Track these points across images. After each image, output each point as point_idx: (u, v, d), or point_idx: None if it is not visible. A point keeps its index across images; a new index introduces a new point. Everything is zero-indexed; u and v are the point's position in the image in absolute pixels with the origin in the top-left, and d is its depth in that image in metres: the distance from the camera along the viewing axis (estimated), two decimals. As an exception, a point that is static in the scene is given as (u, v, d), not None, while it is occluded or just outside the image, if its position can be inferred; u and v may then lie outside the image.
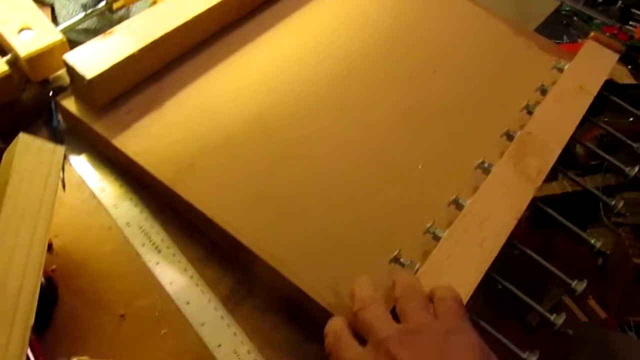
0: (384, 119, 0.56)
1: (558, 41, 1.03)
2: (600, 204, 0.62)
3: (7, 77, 0.48)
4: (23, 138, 0.41)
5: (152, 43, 0.51)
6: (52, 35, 0.51)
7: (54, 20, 0.58)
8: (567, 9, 1.10)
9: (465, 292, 0.41)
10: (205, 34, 0.57)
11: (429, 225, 0.46)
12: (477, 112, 0.58)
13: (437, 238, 0.45)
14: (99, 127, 0.49)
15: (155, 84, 0.53)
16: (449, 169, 0.53)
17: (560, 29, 1.05)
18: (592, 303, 0.66)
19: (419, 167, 0.52)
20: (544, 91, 0.60)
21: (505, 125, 0.56)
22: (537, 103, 0.59)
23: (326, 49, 0.61)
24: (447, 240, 0.43)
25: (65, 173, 0.49)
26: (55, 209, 0.39)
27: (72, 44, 0.53)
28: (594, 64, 0.62)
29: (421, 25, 0.66)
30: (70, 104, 0.51)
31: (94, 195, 0.49)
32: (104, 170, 0.51)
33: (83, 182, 0.50)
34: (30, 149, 0.41)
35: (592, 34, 0.95)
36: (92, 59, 0.49)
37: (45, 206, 0.40)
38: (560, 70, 0.63)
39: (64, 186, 0.49)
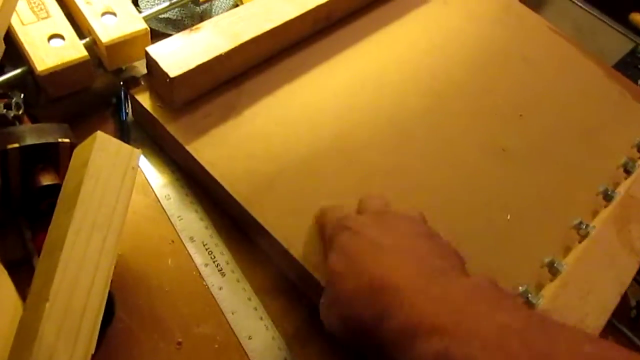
0: (469, 158, 0.51)
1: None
2: None
3: (84, 63, 0.44)
4: (101, 137, 0.37)
5: (240, 45, 0.47)
6: (136, 23, 0.47)
7: (135, 4, 0.54)
8: (643, 53, 1.05)
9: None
10: (291, 41, 0.53)
11: (522, 289, 0.41)
12: (568, 164, 0.54)
13: (530, 305, 0.41)
14: (174, 129, 0.45)
15: (234, 89, 0.49)
16: (540, 224, 0.48)
17: (635, 72, 1.00)
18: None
19: (508, 217, 0.48)
20: (641, 148, 0.56)
21: (598, 182, 0.52)
22: (634, 160, 0.55)
23: (411, 72, 0.56)
24: (546, 312, 0.39)
25: (130, 173, 0.46)
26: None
27: (151, 32, 0.50)
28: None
29: (511, 57, 0.62)
30: (145, 99, 0.47)
31: (157, 202, 0.46)
32: (170, 175, 0.47)
33: (148, 185, 0.46)
34: (107, 149, 0.37)
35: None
36: (177, 56, 0.45)
37: (117, 215, 0.36)
38: (660, 127, 0.58)
39: (129, 189, 0.45)
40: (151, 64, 0.45)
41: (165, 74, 0.43)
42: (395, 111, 0.53)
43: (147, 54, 0.45)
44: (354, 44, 0.57)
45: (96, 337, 0.32)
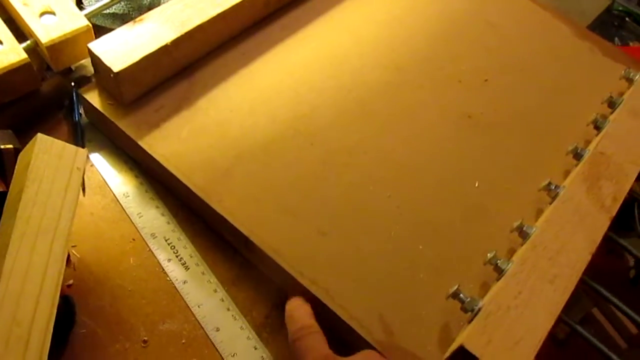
0: (433, 128, 0.50)
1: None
2: (636, 212, 0.56)
3: (25, 66, 0.43)
4: (41, 139, 0.36)
5: (187, 33, 0.46)
6: (76, 20, 0.45)
7: (79, 2, 0.52)
8: (620, 8, 1.03)
9: (538, 337, 0.35)
10: (243, 25, 0.52)
11: (490, 255, 0.40)
12: (537, 125, 0.53)
13: (499, 270, 0.40)
14: (125, 125, 0.44)
15: (186, 79, 0.48)
16: (510, 188, 0.47)
17: (611, 31, 0.98)
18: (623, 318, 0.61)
19: (476, 185, 0.47)
20: (612, 104, 0.54)
21: (569, 141, 0.51)
22: (605, 117, 0.53)
23: (370, 46, 0.55)
24: (514, 276, 0.38)
25: (85, 174, 0.45)
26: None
27: (97, 29, 0.49)
28: (669, 75, 0.56)
29: (475, 24, 0.61)
30: (94, 97, 0.46)
31: (116, 201, 0.45)
32: (128, 173, 0.46)
33: (105, 184, 0.45)
34: (49, 151, 0.36)
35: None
36: (121, 50, 0.44)
37: (64, 218, 0.35)
38: (630, 80, 0.57)
39: (83, 190, 0.44)
40: (95, 60, 0.44)
41: (109, 69, 0.42)
42: (355, 88, 0.51)
43: (89, 50, 0.44)
44: (309, 22, 0.55)
45: (48, 346, 0.31)
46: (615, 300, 0.42)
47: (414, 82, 0.53)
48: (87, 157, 0.46)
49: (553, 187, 0.45)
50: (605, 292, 0.42)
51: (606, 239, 0.44)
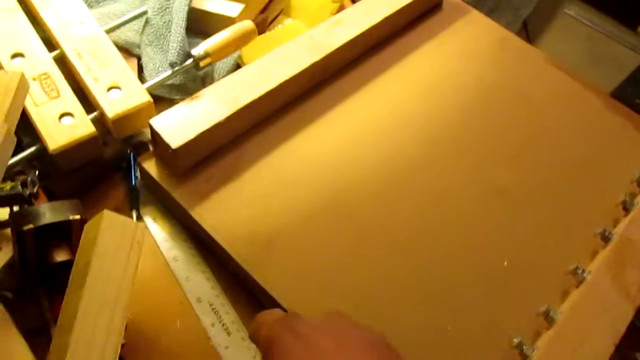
0: (466, 203, 0.53)
1: (642, 103, 0.98)
2: None
3: (93, 137, 0.47)
4: (107, 216, 0.40)
5: (239, 110, 0.50)
6: (140, 96, 0.50)
7: (140, 70, 0.57)
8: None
9: None
10: (288, 100, 0.56)
11: (517, 340, 0.42)
12: (566, 202, 0.55)
13: (524, 356, 0.42)
14: (179, 195, 0.48)
15: (234, 152, 0.52)
16: (538, 269, 0.49)
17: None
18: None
19: (505, 264, 0.49)
20: (641, 184, 0.56)
21: (597, 221, 0.53)
22: (634, 196, 0.55)
23: (407, 118, 0.58)
24: (540, 364, 0.40)
25: (140, 238, 0.49)
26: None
27: (157, 99, 0.53)
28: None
29: (507, 95, 0.63)
30: (151, 166, 0.50)
31: (166, 264, 0.48)
32: (178, 237, 0.50)
33: (156, 247, 0.49)
34: (113, 227, 0.40)
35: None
36: (179, 126, 0.47)
37: (124, 290, 0.38)
38: (660, 159, 0.58)
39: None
40: (155, 135, 0.48)
41: (168, 145, 0.46)
42: (392, 161, 0.54)
43: (150, 126, 0.48)
44: (350, 95, 0.59)
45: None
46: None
47: (449, 156, 0.56)
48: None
49: (580, 272, 0.47)
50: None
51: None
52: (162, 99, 0.56)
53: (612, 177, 0.58)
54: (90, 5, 0.60)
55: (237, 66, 0.60)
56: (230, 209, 0.48)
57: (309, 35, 0.58)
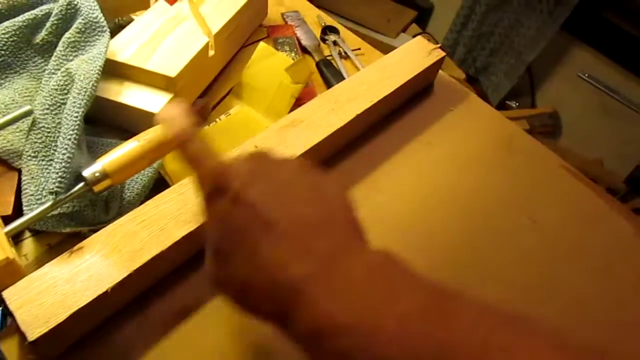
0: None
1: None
2: None
3: None
4: None
5: (137, 270, 0.35)
6: (-2, 250, 0.35)
7: (18, 192, 0.42)
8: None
9: None
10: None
11: None
12: None
13: None
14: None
15: (135, 319, 0.37)
16: None
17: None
18: None
19: None
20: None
21: None
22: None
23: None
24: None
25: None
26: None
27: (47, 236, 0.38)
28: None
29: (515, 220, 0.49)
30: (11, 348, 0.35)
31: None
32: None
33: None
34: None
35: None
36: (44, 306, 0.33)
37: None
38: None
39: None
40: (10, 314, 0.33)
41: (24, 335, 0.32)
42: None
43: (2, 299, 0.33)
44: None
45: None
46: None
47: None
48: None
49: None
50: None
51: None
52: (54, 235, 0.41)
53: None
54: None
55: (160, 178, 0.46)
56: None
57: (252, 143, 0.44)
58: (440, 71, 0.57)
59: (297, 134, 0.45)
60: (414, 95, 0.56)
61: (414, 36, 1.39)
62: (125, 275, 0.35)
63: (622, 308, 0.45)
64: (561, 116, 1.58)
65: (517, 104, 1.62)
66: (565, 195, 0.52)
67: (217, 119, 0.51)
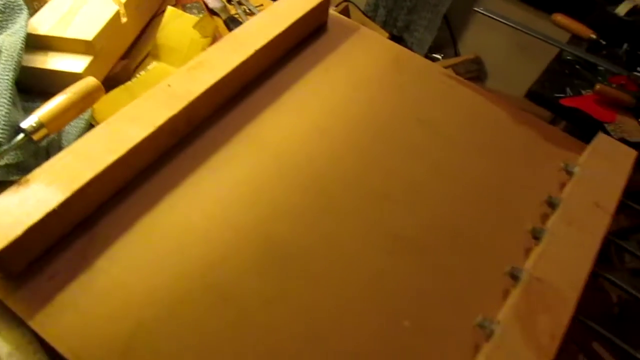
0: (358, 260, 0.46)
1: (560, 95, 0.95)
2: (612, 247, 0.54)
3: None
4: None
5: (77, 191, 0.42)
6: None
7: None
8: (569, 57, 1.01)
9: None
10: (146, 164, 0.48)
11: None
12: (473, 241, 0.49)
13: None
14: (12, 303, 0.40)
15: (85, 234, 0.44)
16: (442, 325, 0.44)
17: (562, 79, 0.96)
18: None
19: (405, 324, 0.43)
20: (552, 204, 0.51)
21: (507, 255, 0.48)
22: (545, 219, 0.50)
23: (291, 165, 0.52)
24: None
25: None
26: None
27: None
28: (609, 168, 0.53)
29: (403, 123, 0.58)
30: (-22, 270, 0.42)
31: (10, 386, 0.41)
32: (26, 349, 0.42)
33: (-1, 367, 0.41)
34: None
35: (597, 86, 0.86)
36: (1, 222, 0.40)
37: None
38: (570, 172, 0.54)
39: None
40: (-26, 236, 0.40)
41: (-13, 253, 0.39)
42: (275, 221, 0.48)
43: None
44: (222, 145, 0.52)
45: None
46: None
47: (337, 207, 0.50)
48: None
49: (487, 324, 0.42)
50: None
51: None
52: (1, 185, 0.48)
53: (521, 201, 0.53)
54: None
55: (91, 127, 0.53)
56: (81, 309, 0.41)
57: (165, 84, 0.51)
58: (331, 11, 0.65)
59: (204, 72, 0.52)
60: (310, 33, 0.64)
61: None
62: (68, 195, 0.42)
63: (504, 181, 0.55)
64: (484, 60, 1.69)
65: (442, 55, 1.72)
66: (449, 97, 0.61)
67: (137, 74, 0.58)
